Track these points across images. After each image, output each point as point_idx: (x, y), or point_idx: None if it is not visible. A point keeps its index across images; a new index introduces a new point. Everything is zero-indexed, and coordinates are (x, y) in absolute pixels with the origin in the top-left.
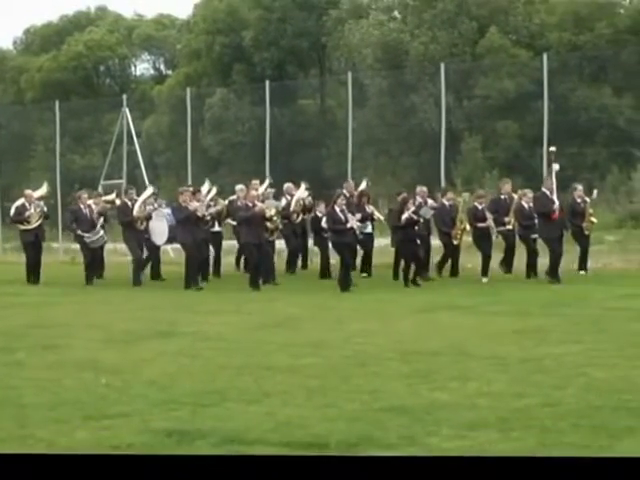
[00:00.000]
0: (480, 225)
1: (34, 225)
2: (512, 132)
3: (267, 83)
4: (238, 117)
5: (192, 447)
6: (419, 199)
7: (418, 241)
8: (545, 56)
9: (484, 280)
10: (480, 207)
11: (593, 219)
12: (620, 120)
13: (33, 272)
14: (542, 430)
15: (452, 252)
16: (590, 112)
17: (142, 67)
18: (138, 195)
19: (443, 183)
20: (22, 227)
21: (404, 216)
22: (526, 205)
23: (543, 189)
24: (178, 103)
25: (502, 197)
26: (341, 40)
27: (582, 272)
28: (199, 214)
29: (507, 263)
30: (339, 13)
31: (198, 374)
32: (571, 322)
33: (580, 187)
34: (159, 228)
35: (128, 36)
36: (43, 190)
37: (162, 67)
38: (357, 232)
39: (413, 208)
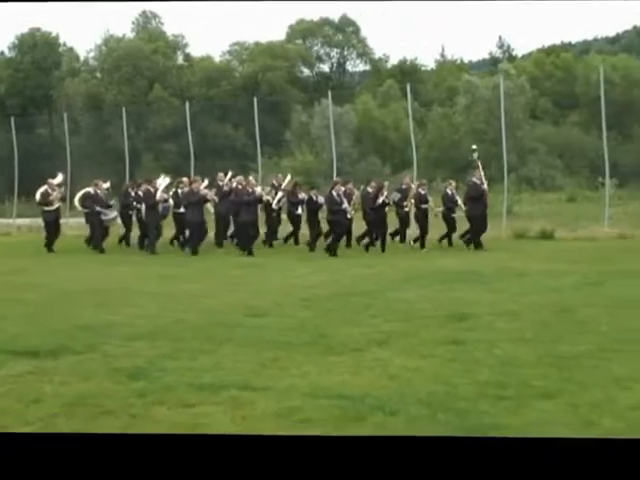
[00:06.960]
0: (423, 206)
1: (55, 206)
2: (172, 151)
3: (12, 119)
4: None
5: None
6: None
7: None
8: (188, 103)
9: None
10: (423, 192)
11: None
12: (238, 144)
13: (52, 243)
14: (175, 340)
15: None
16: (218, 139)
17: None
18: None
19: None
20: (46, 208)
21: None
22: (449, 192)
23: (473, 179)
24: None
25: (403, 187)
26: (62, 91)
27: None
28: (208, 197)
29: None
30: (61, 73)
31: None
32: (196, 271)
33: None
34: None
35: None
36: (59, 178)
37: None
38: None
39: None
